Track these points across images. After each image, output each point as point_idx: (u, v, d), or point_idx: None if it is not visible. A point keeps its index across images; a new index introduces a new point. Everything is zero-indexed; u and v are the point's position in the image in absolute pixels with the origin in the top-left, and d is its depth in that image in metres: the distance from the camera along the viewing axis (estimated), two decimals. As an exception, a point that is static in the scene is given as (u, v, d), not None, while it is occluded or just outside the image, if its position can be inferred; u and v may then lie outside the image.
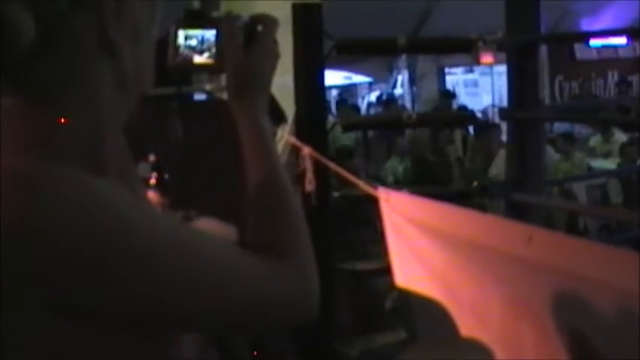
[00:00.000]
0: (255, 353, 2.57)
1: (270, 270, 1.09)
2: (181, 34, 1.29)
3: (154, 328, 1.02)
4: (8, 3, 0.96)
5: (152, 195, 2.81)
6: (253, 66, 1.25)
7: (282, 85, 3.42)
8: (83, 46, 1.03)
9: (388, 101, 12.94)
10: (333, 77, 13.44)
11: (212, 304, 1.03)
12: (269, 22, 1.28)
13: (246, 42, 1.26)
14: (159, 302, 0.98)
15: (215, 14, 1.33)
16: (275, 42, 1.29)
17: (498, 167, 6.54)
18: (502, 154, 6.73)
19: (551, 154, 8.52)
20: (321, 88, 3.55)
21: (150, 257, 0.97)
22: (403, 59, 13.78)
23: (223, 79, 1.30)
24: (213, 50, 1.28)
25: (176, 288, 0.99)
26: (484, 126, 7.53)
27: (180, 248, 1.01)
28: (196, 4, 3.45)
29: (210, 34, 1.28)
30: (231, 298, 1.05)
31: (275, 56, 1.29)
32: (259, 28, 1.27)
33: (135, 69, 1.09)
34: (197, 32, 1.28)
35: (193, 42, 1.28)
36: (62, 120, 1.01)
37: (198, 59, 1.29)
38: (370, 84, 15.34)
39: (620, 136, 9.59)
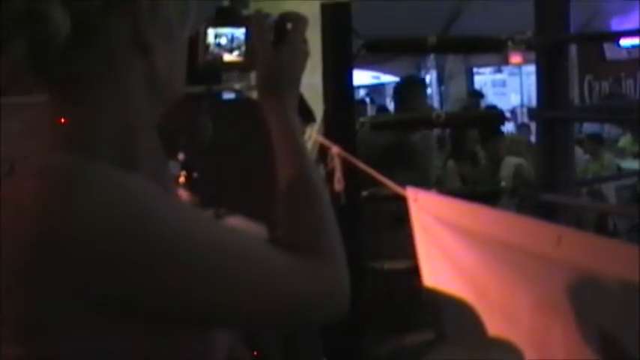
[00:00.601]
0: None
1: (303, 268, 1.10)
2: (211, 32, 1.29)
3: (194, 325, 1.03)
4: (45, 1, 0.97)
5: (181, 193, 2.82)
6: (283, 64, 1.25)
7: (311, 84, 3.42)
8: (117, 44, 1.04)
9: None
10: (362, 77, 13.44)
11: (249, 301, 1.04)
12: (299, 20, 1.28)
13: (276, 40, 1.26)
14: (199, 301, 0.99)
15: (245, 13, 1.33)
16: (305, 40, 1.29)
17: (504, 177, 6.48)
18: (508, 162, 6.69)
19: (580, 154, 8.47)
20: (349, 88, 3.55)
21: (188, 256, 0.98)
22: (432, 59, 13.76)
23: (253, 77, 1.31)
24: (243, 48, 1.28)
25: (215, 287, 1.00)
26: (496, 130, 7.43)
27: (217, 246, 1.02)
28: (226, 3, 3.46)
29: (240, 32, 1.28)
30: (266, 296, 1.05)
31: (305, 54, 1.29)
32: (289, 26, 1.27)
33: (167, 68, 1.10)
34: (227, 30, 1.29)
35: (223, 40, 1.28)
36: (95, 117, 1.02)
37: (228, 57, 1.29)
38: (398, 84, 15.30)
39: (651, 136, 9.54)
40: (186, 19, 1.13)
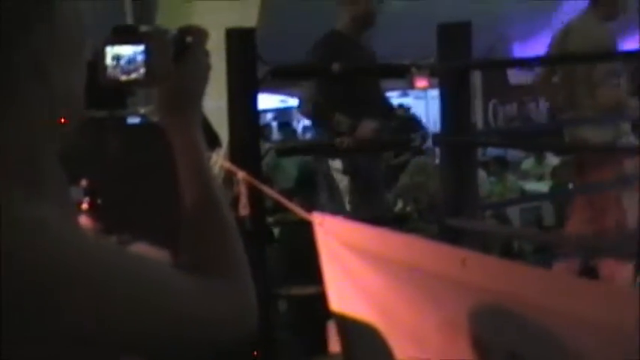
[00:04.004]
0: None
1: (209, 290, 1.09)
2: (110, 50, 1.26)
3: (99, 349, 1.01)
4: None
5: (85, 220, 2.77)
6: (184, 80, 1.24)
7: (217, 109, 3.41)
8: (15, 71, 1.02)
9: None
10: (269, 101, 13.46)
11: (154, 326, 1.03)
12: (199, 34, 1.26)
13: (177, 55, 1.24)
14: (102, 326, 0.98)
15: (145, 29, 1.30)
16: (206, 53, 1.27)
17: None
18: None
19: (484, 177, 8.62)
20: (255, 113, 3.55)
21: (88, 280, 0.97)
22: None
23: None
24: (143, 65, 1.25)
25: (120, 313, 0.99)
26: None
27: (119, 272, 1.00)
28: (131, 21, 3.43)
29: (139, 49, 1.25)
30: (172, 320, 1.04)
31: (206, 68, 1.27)
32: (189, 39, 1.26)
33: (67, 93, 1.07)
34: (126, 48, 1.26)
35: (123, 58, 1.25)
36: None
37: (128, 76, 1.26)
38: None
39: (553, 159, 9.76)
40: (84, 42, 1.11)
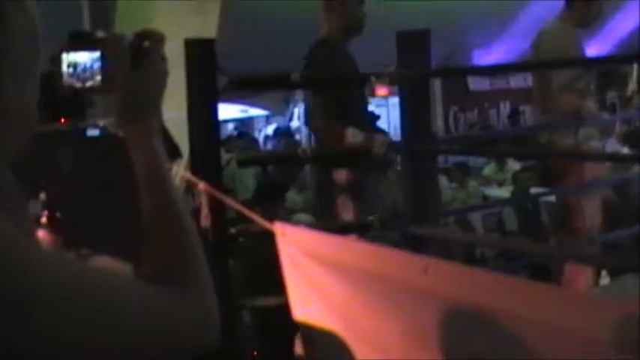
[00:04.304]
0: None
1: (170, 300, 1.08)
2: (66, 57, 1.24)
3: None
4: None
5: (44, 234, 2.74)
6: (141, 85, 1.22)
7: (177, 120, 3.39)
8: None
9: (284, 134, 13.02)
10: (230, 111, 13.44)
11: (110, 339, 1.01)
12: (155, 37, 1.25)
13: (134, 61, 1.23)
14: (59, 340, 0.96)
15: (101, 34, 1.28)
16: (164, 57, 1.26)
17: None
18: None
19: (446, 184, 8.68)
20: (215, 124, 3.54)
21: (40, 294, 0.95)
22: (300, 92, 13.85)
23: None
24: (100, 72, 1.24)
25: (74, 325, 0.97)
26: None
27: (75, 285, 0.99)
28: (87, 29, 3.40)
29: (95, 55, 1.24)
30: (133, 331, 1.03)
31: (164, 73, 1.25)
32: (146, 44, 1.24)
33: (21, 106, 1.06)
34: (82, 54, 1.24)
35: (79, 65, 1.24)
36: None
37: (84, 83, 1.24)
38: (267, 117, 15.37)
39: (514, 165, 9.84)
40: (37, 54, 1.09)
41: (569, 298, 1.74)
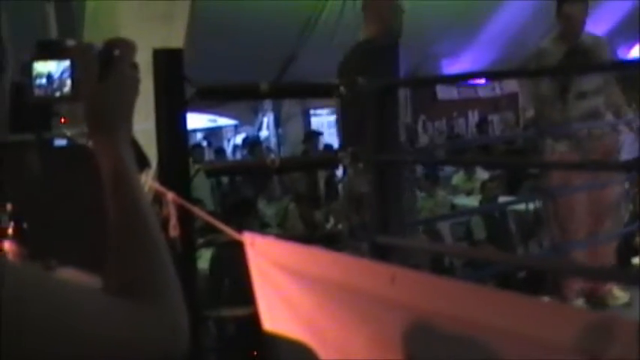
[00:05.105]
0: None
1: (138, 312, 1.07)
2: (35, 66, 1.23)
3: None
4: None
5: (10, 245, 2.72)
6: (111, 94, 1.21)
7: (146, 130, 3.38)
8: None
9: (253, 144, 13.02)
10: (198, 120, 13.41)
11: (75, 352, 1.00)
12: (125, 46, 1.24)
13: (103, 70, 1.22)
14: (22, 351, 0.95)
15: (70, 43, 1.27)
16: (134, 65, 1.25)
17: None
18: None
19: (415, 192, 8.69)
20: (183, 133, 3.53)
21: (9, 307, 0.94)
22: (268, 102, 13.86)
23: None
24: (70, 81, 1.23)
25: (37, 337, 0.96)
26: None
27: (40, 296, 0.98)
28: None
29: (65, 64, 1.23)
30: (99, 344, 1.02)
31: (135, 81, 1.25)
32: (116, 52, 1.23)
33: None
34: (51, 64, 1.23)
35: (48, 75, 1.23)
36: None
37: (54, 93, 1.23)
38: (236, 126, 15.35)
39: (482, 174, 9.89)
40: (3, 67, 1.09)
41: (536, 306, 1.75)
